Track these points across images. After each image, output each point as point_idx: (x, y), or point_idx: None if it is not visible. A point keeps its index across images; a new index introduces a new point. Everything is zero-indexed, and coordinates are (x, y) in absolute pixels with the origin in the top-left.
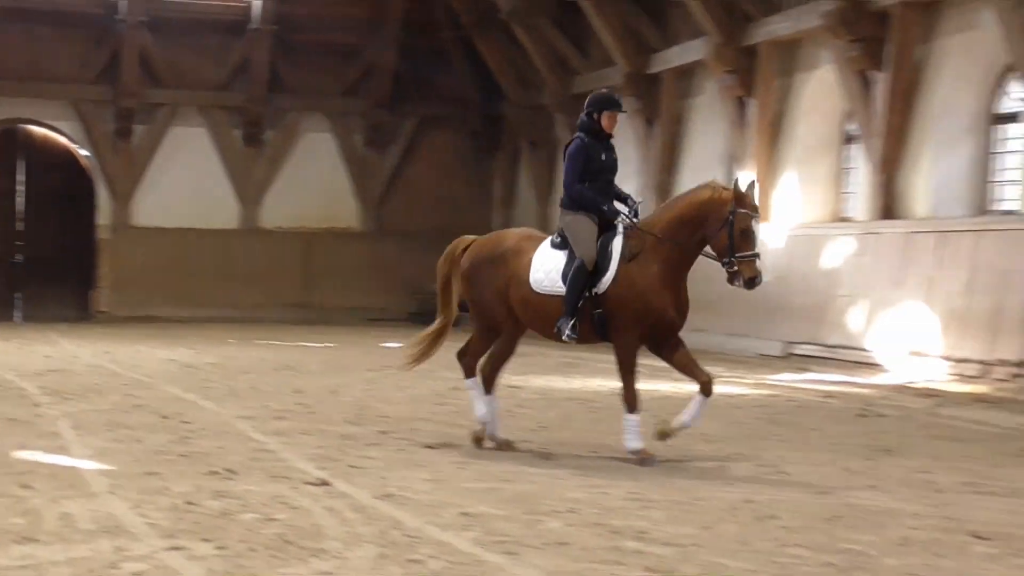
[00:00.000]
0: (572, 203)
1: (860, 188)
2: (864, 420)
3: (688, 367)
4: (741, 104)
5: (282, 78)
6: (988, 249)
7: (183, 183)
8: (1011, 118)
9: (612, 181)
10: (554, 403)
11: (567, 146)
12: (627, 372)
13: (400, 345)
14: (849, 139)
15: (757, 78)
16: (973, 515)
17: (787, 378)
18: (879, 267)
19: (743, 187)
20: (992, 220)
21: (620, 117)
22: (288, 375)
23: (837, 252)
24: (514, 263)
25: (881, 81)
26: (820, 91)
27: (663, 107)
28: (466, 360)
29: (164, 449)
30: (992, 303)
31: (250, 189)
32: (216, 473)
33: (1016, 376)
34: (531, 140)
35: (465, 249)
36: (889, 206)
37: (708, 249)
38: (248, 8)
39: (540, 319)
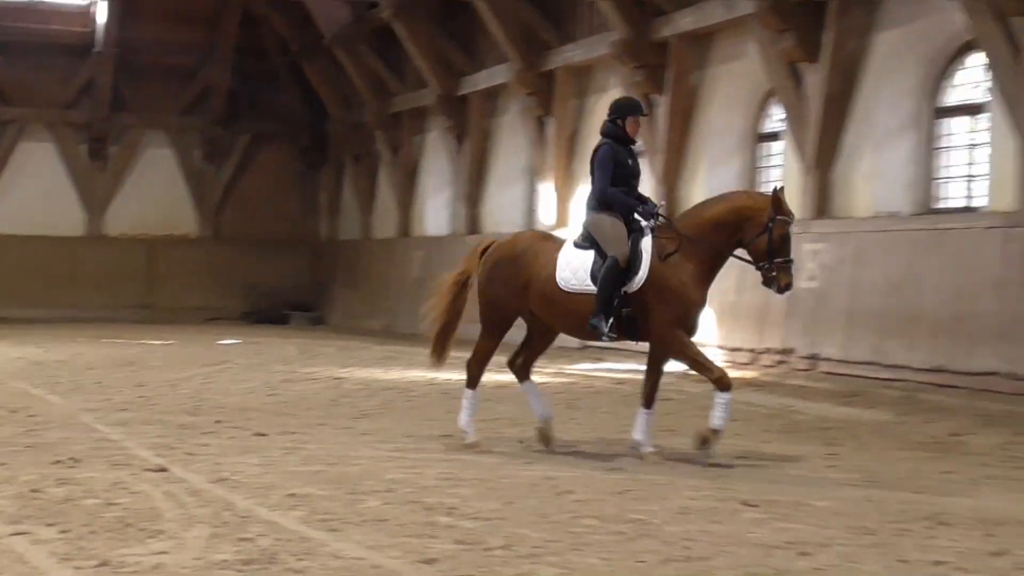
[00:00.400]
0: (602, 206)
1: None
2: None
3: (651, 377)
4: (540, 123)
5: (125, 97)
6: None
7: (32, 194)
8: (772, 137)
9: (637, 186)
10: (375, 393)
11: (595, 151)
12: (697, 360)
13: (235, 341)
14: None
15: (555, 100)
16: (744, 485)
17: (584, 367)
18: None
19: (779, 193)
20: None
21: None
22: (131, 370)
23: None
24: (534, 263)
25: (662, 104)
26: None
27: (472, 125)
28: (471, 372)
29: (11, 441)
30: (759, 299)
31: (95, 200)
32: (61, 462)
33: (780, 362)
34: (354, 155)
35: (484, 251)
36: (671, 213)
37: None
38: (92, 33)
39: (565, 316)
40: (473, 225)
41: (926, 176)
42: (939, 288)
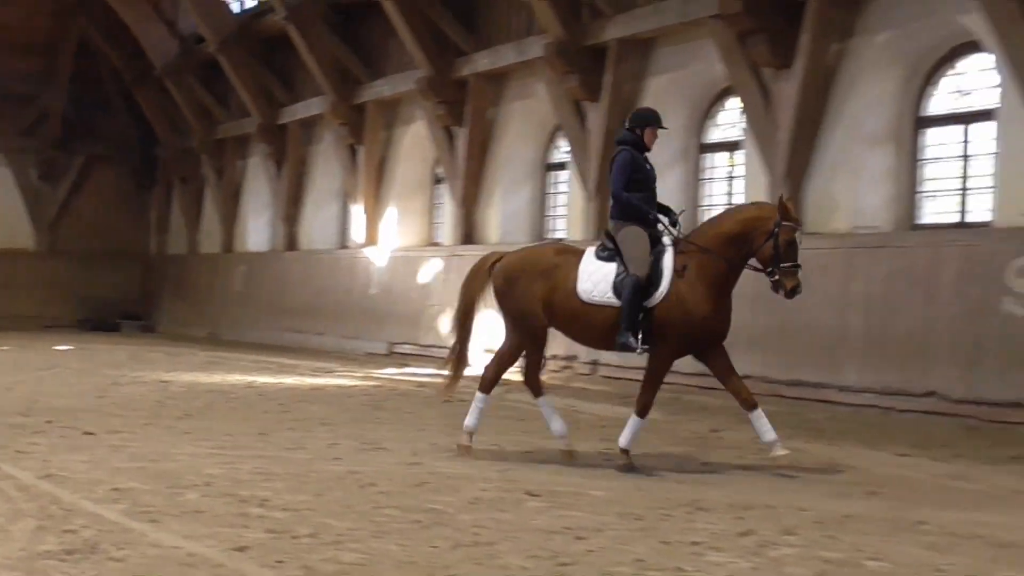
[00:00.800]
0: (621, 212)
1: (446, 219)
2: (449, 405)
3: (730, 384)
4: (352, 151)
5: None
6: None
7: None
8: (559, 167)
9: (655, 191)
10: (198, 395)
11: (613, 158)
12: (655, 381)
13: (69, 347)
14: (438, 180)
15: (365, 130)
16: (529, 477)
17: (390, 372)
18: (461, 282)
19: (785, 202)
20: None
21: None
22: None
23: (429, 270)
24: (555, 276)
25: (462, 135)
26: (415, 142)
27: (290, 152)
28: (530, 381)
29: None
30: None
31: None
32: None
33: (565, 368)
34: (181, 177)
35: (493, 265)
36: (469, 233)
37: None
38: None
39: (588, 329)
40: (291, 242)
41: (692, 204)
42: None
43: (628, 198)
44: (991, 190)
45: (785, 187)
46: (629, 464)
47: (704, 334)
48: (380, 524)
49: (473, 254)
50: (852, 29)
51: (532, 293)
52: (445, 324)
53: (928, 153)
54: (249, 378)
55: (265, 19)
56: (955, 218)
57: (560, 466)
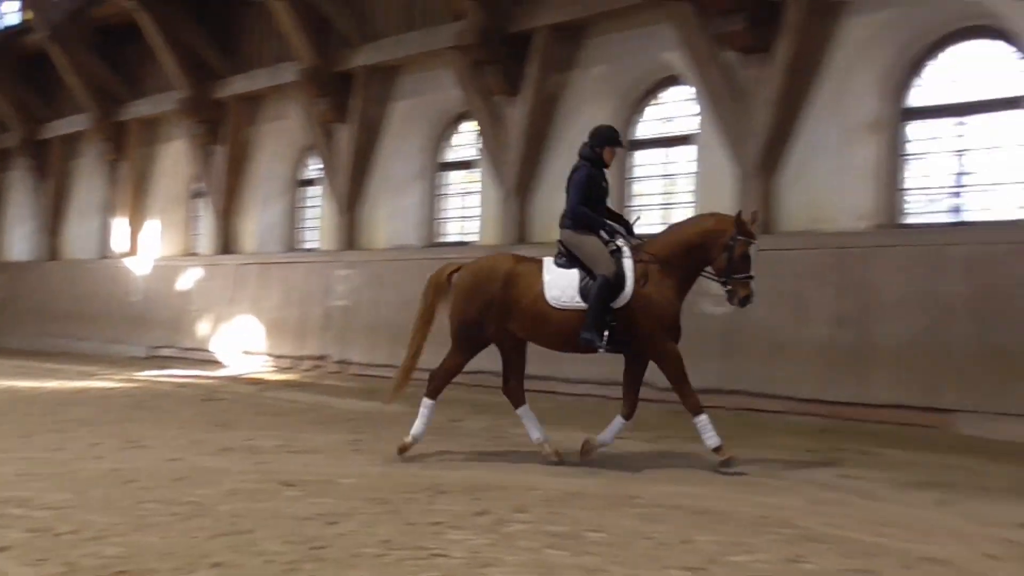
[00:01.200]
0: (575, 223)
1: (206, 230)
2: (208, 403)
3: (630, 392)
4: (114, 166)
5: None
6: (297, 276)
7: None
8: (310, 183)
9: (606, 204)
10: None
11: (573, 172)
12: (682, 378)
13: None
14: (197, 195)
15: (127, 146)
16: (284, 468)
17: (151, 374)
18: (219, 289)
19: (745, 216)
20: (299, 255)
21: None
22: None
23: (189, 278)
24: (519, 283)
25: (220, 152)
26: (175, 158)
27: (51, 167)
28: (436, 383)
29: None
30: (300, 314)
31: None
32: None
33: (316, 367)
34: None
35: (451, 275)
36: (226, 244)
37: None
38: None
39: (556, 332)
40: (54, 252)
41: (431, 217)
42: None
43: (584, 211)
44: (690, 204)
45: (514, 201)
46: (729, 458)
47: (678, 324)
48: (141, 518)
49: (230, 263)
50: (572, 63)
51: (493, 302)
52: (204, 328)
53: (637, 172)
54: (11, 383)
55: (26, 37)
56: (661, 229)
57: (313, 457)
